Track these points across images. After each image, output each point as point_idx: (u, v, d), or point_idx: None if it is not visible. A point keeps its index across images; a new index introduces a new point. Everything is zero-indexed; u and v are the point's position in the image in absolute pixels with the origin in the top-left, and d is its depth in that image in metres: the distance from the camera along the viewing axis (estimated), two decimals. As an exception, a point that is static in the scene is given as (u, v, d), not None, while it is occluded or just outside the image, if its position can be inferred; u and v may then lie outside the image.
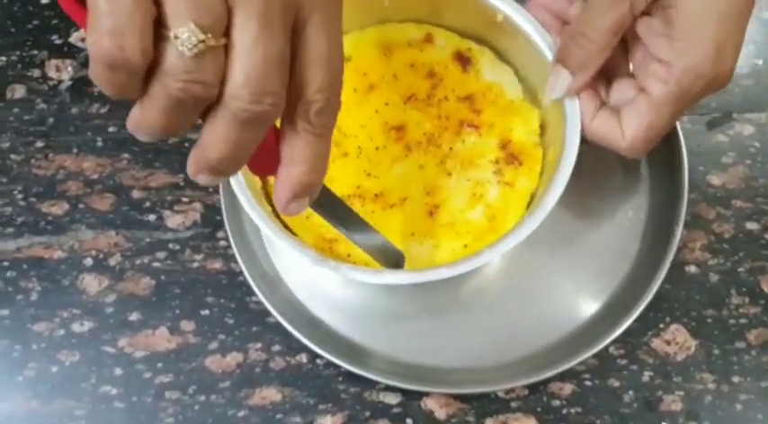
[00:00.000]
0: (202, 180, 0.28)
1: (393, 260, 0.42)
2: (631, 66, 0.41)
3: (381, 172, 0.44)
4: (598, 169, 0.48)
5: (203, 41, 0.24)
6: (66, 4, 0.26)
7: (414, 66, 0.45)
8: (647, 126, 0.39)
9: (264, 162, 0.30)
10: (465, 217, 0.43)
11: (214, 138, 0.27)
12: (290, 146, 0.29)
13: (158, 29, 0.25)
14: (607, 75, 0.42)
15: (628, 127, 0.39)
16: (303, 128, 0.29)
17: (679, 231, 0.45)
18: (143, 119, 0.26)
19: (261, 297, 0.45)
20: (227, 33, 0.25)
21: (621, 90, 0.41)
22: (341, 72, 0.29)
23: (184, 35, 0.24)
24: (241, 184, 0.40)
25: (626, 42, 0.41)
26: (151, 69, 0.25)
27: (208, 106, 0.27)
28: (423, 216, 0.43)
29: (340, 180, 0.43)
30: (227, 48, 0.26)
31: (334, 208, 0.38)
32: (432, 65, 0.45)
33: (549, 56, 0.42)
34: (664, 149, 0.47)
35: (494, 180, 0.44)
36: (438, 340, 0.46)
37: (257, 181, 0.43)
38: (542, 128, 0.45)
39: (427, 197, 0.44)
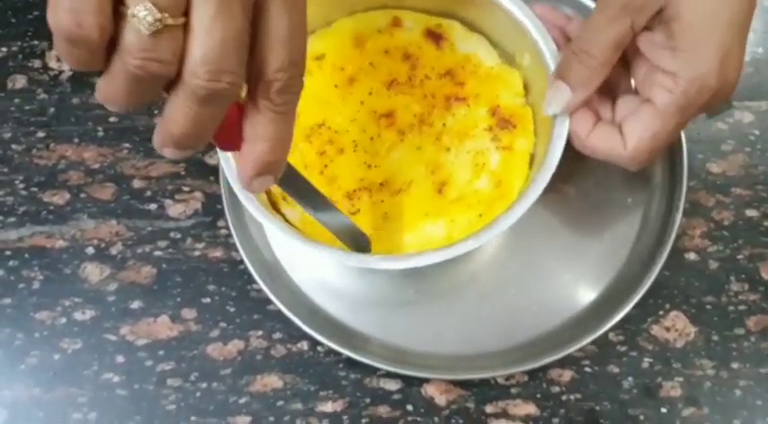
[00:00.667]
0: (168, 153, 0.29)
1: (358, 241, 0.42)
2: (633, 83, 0.41)
3: (381, 161, 0.44)
4: (596, 161, 0.48)
5: (160, 20, 0.25)
6: None
7: (388, 52, 0.45)
8: (652, 135, 0.38)
9: (230, 137, 0.30)
10: (473, 188, 0.44)
11: (175, 114, 0.27)
12: (253, 124, 0.29)
13: (118, 6, 0.25)
14: (611, 93, 0.42)
15: (631, 136, 0.39)
16: (265, 106, 0.29)
17: (678, 218, 0.45)
18: (107, 92, 0.27)
19: (262, 285, 0.45)
20: (186, 12, 0.26)
21: (626, 105, 0.41)
22: (303, 50, 0.29)
23: (141, 14, 0.25)
24: (251, 199, 0.40)
25: (627, 60, 0.41)
26: (112, 44, 0.26)
27: (171, 80, 0.27)
28: (432, 196, 0.44)
29: (343, 176, 0.44)
30: (186, 27, 0.26)
31: (300, 188, 0.38)
32: (405, 47, 0.46)
33: (520, 17, 0.42)
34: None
35: (492, 147, 0.44)
36: (438, 326, 0.46)
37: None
38: (526, 88, 0.45)
39: (432, 176, 0.44)
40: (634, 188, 0.48)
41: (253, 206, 0.40)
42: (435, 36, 0.46)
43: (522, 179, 0.43)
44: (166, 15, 0.25)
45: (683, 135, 0.46)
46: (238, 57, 0.27)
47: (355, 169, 0.44)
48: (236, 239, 0.46)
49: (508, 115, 0.44)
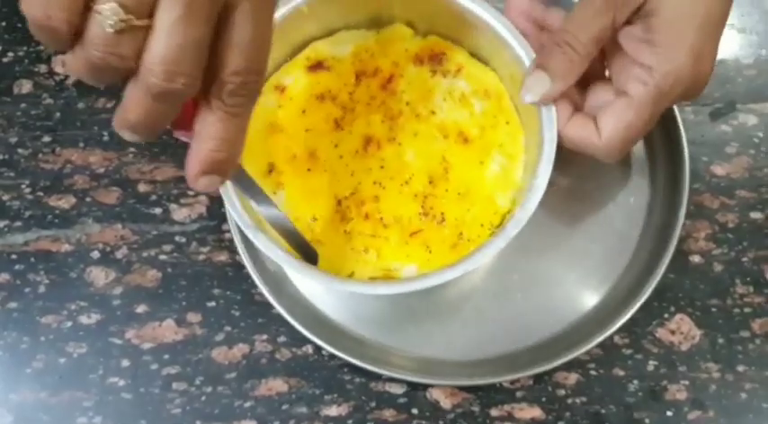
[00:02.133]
0: (126, 136, 0.30)
1: (307, 252, 0.42)
2: (607, 73, 0.42)
3: (409, 170, 0.44)
4: (598, 163, 0.48)
5: (125, 21, 0.27)
6: None
7: (305, 111, 0.45)
8: (626, 126, 0.39)
9: (185, 127, 0.31)
10: (478, 113, 0.45)
11: (131, 103, 0.29)
12: (203, 121, 0.31)
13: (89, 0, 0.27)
14: (583, 80, 0.42)
15: (605, 127, 0.40)
16: (216, 106, 0.30)
17: (681, 220, 0.45)
18: (71, 67, 0.29)
19: (264, 292, 0.45)
20: (151, 14, 0.27)
21: (598, 94, 0.42)
22: (262, 60, 0.31)
23: (107, 13, 0.26)
24: (271, 247, 0.40)
25: (603, 51, 0.41)
26: (80, 31, 0.27)
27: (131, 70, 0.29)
28: (465, 148, 0.44)
29: (401, 210, 0.44)
30: (148, 27, 0.27)
31: (255, 194, 0.39)
32: (312, 96, 0.45)
33: None
34: (665, 139, 0.48)
35: (450, 80, 0.45)
36: (442, 331, 0.46)
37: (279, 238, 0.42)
38: (409, 24, 0.46)
39: (447, 139, 0.44)
40: (637, 189, 0.48)
41: (262, 243, 0.40)
42: (318, 67, 0.45)
43: (491, 74, 0.45)
44: (131, 17, 0.27)
45: (684, 137, 0.46)
46: (195, 61, 0.28)
47: (401, 196, 0.44)
48: (238, 245, 0.46)
49: (429, 51, 0.46)
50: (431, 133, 0.45)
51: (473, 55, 0.46)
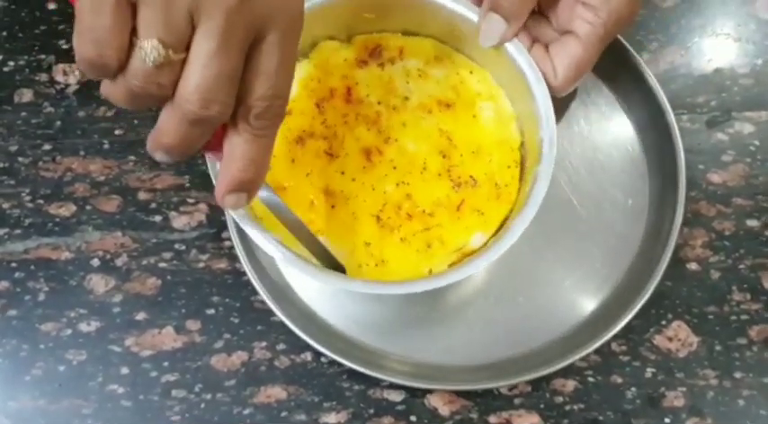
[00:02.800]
0: (158, 157, 0.32)
1: (331, 262, 0.43)
2: (554, 14, 0.43)
3: (419, 159, 0.45)
4: (596, 165, 0.49)
5: (164, 56, 0.29)
6: None
7: (294, 160, 0.45)
8: (578, 65, 0.42)
9: (216, 150, 0.34)
10: (443, 78, 0.46)
11: (166, 128, 0.31)
12: (231, 142, 0.33)
13: (132, 35, 0.29)
14: None
15: (559, 68, 0.42)
16: (243, 128, 0.32)
17: (677, 228, 0.46)
18: (109, 94, 0.31)
19: (265, 298, 0.45)
20: (188, 46, 0.29)
21: (539, 30, 0.44)
22: (286, 87, 0.33)
23: (148, 49, 0.29)
24: (274, 244, 0.41)
25: None
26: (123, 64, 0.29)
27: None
28: (452, 116, 0.46)
29: (435, 193, 0.44)
30: (185, 58, 0.30)
31: (289, 221, 0.40)
32: (291, 143, 0.45)
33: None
34: (662, 147, 0.48)
35: (402, 64, 0.46)
36: (441, 337, 0.46)
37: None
38: (332, 38, 0.46)
39: (432, 114, 0.46)
40: (636, 191, 0.48)
41: (262, 239, 0.41)
42: None
43: (429, 41, 0.47)
44: (170, 52, 0.29)
45: (680, 145, 0.47)
46: (229, 89, 0.30)
47: (428, 183, 0.45)
48: (239, 251, 0.46)
49: (365, 50, 0.46)
50: (416, 116, 0.46)
51: (403, 33, 0.47)
